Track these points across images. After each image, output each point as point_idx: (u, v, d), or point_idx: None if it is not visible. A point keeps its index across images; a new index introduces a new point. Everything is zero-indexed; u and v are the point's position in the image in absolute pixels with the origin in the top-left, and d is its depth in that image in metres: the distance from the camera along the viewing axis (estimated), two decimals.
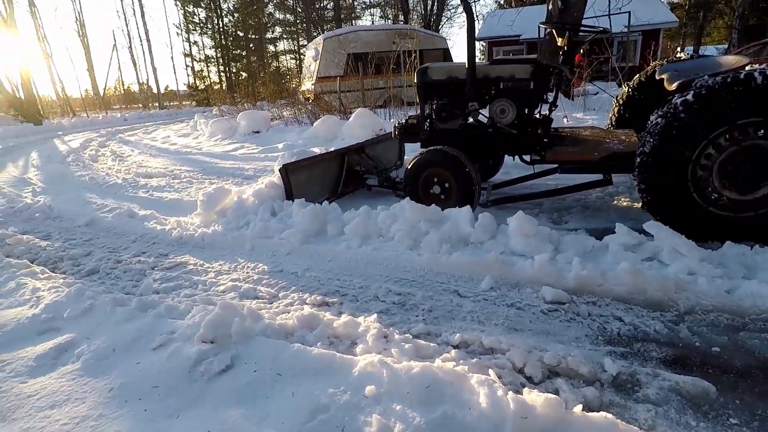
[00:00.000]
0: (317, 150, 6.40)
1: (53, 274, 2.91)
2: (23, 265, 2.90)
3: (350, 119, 6.72)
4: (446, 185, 3.26)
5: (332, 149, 4.29)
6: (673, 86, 2.91)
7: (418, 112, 4.07)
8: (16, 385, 1.67)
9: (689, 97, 2.52)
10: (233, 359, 1.68)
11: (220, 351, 1.73)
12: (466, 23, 3.20)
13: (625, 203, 3.56)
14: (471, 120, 3.53)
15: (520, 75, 3.28)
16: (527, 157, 3.63)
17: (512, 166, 4.57)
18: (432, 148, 3.30)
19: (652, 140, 2.62)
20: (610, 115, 4.03)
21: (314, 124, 7.22)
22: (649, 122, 2.70)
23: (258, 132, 8.63)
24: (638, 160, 2.70)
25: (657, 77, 3.26)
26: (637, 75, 3.77)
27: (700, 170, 2.59)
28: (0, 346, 1.95)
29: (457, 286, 2.29)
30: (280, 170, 3.45)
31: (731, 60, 3.02)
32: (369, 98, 11.13)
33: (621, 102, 3.84)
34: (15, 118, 17.07)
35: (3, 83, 17.17)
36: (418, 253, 2.57)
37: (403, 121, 3.93)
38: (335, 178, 4.03)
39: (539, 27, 3.56)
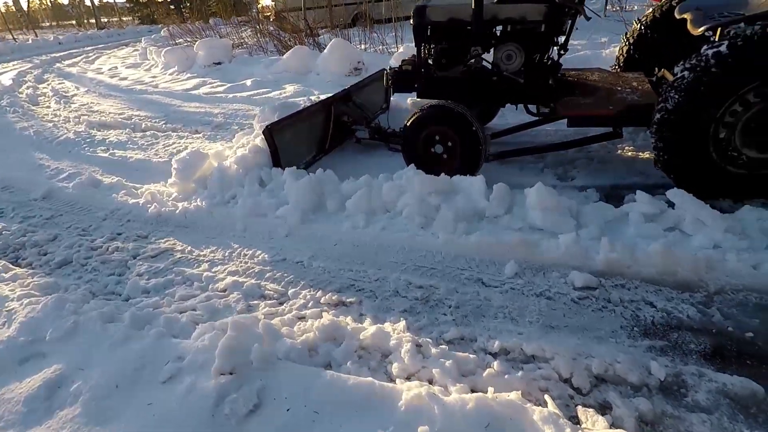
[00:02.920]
0: (291, 87, 5.86)
1: (18, 270, 2.60)
2: None
3: (325, 51, 6.08)
4: (449, 144, 2.99)
5: (314, 98, 3.86)
6: (699, 30, 2.64)
7: (409, 57, 3.65)
8: None
9: (723, 48, 2.27)
10: (260, 394, 1.51)
11: (242, 383, 1.56)
12: None
13: (629, 153, 3.42)
14: (473, 66, 3.17)
15: (532, 16, 2.90)
16: (533, 108, 3.36)
17: (508, 110, 4.29)
18: (434, 103, 2.97)
19: (677, 96, 2.40)
20: (617, 55, 3.73)
21: (285, 56, 6.52)
22: (674, 74, 2.47)
23: (219, 63, 7.78)
24: (658, 116, 2.50)
25: (677, 16, 2.96)
26: (650, 10, 3.43)
27: (723, 128, 2.43)
28: None
29: (479, 272, 2.15)
30: (263, 132, 3.06)
31: None
32: (337, 16, 10.11)
33: (631, 41, 3.52)
34: None
35: None
36: (432, 233, 2.38)
37: (396, 67, 3.52)
38: (322, 133, 3.67)
39: None
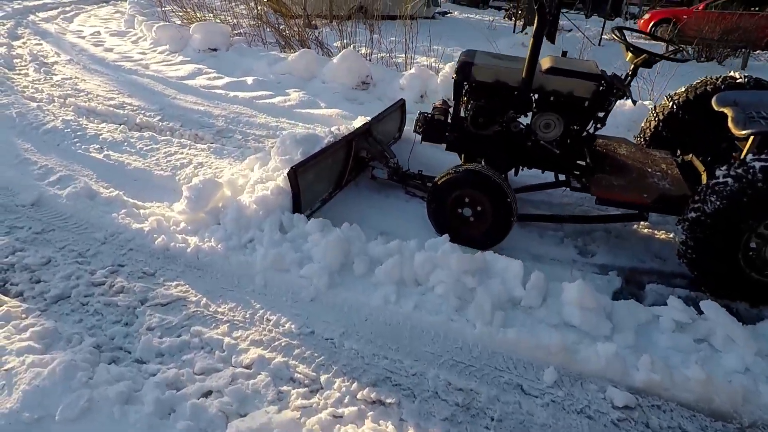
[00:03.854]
0: (295, 94, 5.60)
1: (9, 303, 2.35)
2: None
3: (335, 60, 5.84)
4: (478, 209, 2.93)
5: (334, 130, 3.67)
6: (743, 133, 2.68)
7: (439, 103, 3.55)
8: None
9: None
10: None
11: None
12: (535, 24, 2.64)
13: (645, 230, 3.46)
14: (509, 129, 3.11)
15: (579, 93, 2.86)
16: (561, 175, 3.34)
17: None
18: (470, 167, 2.89)
19: (717, 201, 2.44)
20: (643, 126, 3.76)
21: (290, 58, 6.21)
22: (715, 177, 2.50)
23: (215, 50, 7.35)
24: (693, 215, 2.54)
25: (716, 108, 2.99)
26: (684, 90, 3.46)
27: (756, 238, 2.50)
28: None
29: (519, 376, 2.10)
30: (289, 175, 2.89)
31: None
32: (337, 6, 9.69)
33: (660, 117, 3.55)
34: None
35: None
36: (467, 319, 2.32)
37: (427, 114, 3.41)
38: (341, 169, 3.52)
39: (613, 31, 3.05)
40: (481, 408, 1.94)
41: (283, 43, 7.32)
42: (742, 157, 2.55)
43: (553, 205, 3.69)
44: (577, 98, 2.87)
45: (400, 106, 4.40)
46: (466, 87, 3.11)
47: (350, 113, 5.19)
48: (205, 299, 2.45)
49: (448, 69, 5.41)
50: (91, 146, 4.05)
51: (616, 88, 2.85)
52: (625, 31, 3.08)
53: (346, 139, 3.47)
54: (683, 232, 2.62)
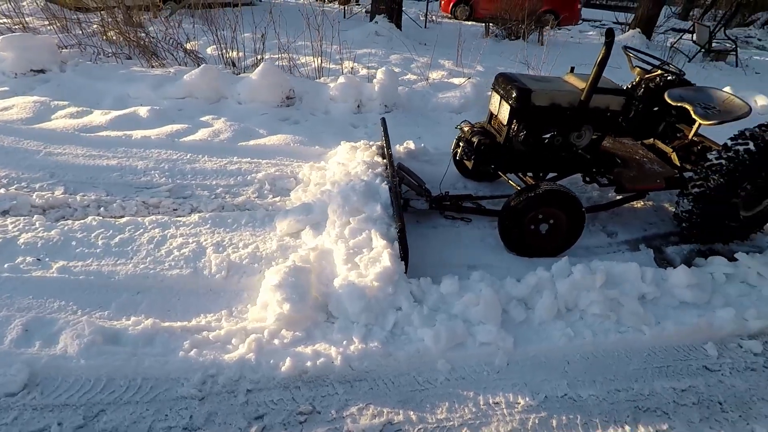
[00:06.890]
0: (219, 123, 4.70)
1: None
2: None
3: (255, 77, 4.99)
4: (551, 222, 3.19)
5: (378, 170, 3.34)
6: (707, 124, 3.52)
7: (468, 126, 3.57)
8: None
9: (752, 147, 3.17)
10: None
11: None
12: (601, 54, 2.88)
13: (625, 205, 4.17)
14: (555, 144, 3.39)
15: (614, 107, 3.28)
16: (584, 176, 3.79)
17: None
18: (548, 187, 3.08)
19: (719, 179, 3.21)
20: None
21: (188, 78, 5.00)
22: (710, 162, 3.26)
23: (42, 71, 5.41)
24: (697, 190, 3.30)
25: (672, 103, 3.79)
26: (644, 85, 4.17)
27: (734, 199, 3.39)
28: None
29: (696, 359, 2.52)
30: (399, 238, 2.59)
31: (736, 103, 3.72)
32: None
33: None
34: None
35: None
36: (629, 328, 2.61)
37: (470, 139, 3.40)
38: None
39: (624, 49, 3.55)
40: (708, 397, 2.29)
41: (147, 55, 5.84)
42: (726, 144, 3.33)
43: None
44: (612, 111, 3.29)
45: (384, 123, 4.20)
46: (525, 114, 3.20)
47: (299, 135, 4.67)
48: (411, 413, 2.12)
49: (381, 75, 5.27)
50: (19, 261, 2.72)
51: (635, 99, 3.38)
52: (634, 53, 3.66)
53: (397, 180, 3.23)
54: (689, 204, 3.35)
